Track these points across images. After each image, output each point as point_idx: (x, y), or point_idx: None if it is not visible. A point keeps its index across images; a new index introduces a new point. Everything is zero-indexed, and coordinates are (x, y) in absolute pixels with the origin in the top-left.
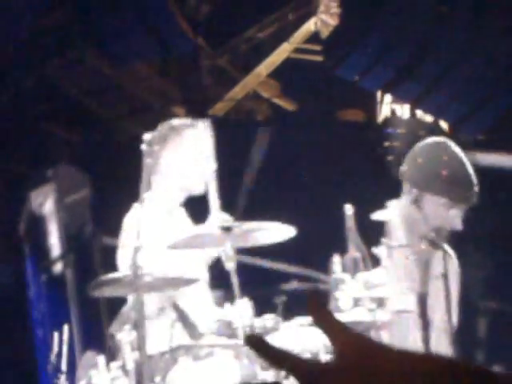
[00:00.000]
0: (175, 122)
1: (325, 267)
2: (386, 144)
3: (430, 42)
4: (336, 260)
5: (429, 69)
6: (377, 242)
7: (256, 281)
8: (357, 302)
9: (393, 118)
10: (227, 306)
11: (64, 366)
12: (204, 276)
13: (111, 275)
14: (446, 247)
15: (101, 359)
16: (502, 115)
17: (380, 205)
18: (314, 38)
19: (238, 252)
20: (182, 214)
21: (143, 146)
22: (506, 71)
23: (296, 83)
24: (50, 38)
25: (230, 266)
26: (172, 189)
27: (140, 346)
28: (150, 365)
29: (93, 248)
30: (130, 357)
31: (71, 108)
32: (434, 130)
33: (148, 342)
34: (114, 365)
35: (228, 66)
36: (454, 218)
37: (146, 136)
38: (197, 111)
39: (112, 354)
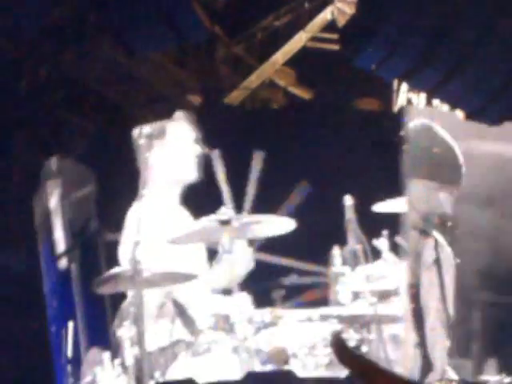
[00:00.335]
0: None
1: (324, 260)
2: (402, 133)
3: (447, 30)
4: (335, 252)
5: (446, 58)
6: (378, 234)
7: (254, 274)
8: (357, 296)
9: (409, 107)
10: (226, 299)
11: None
12: (204, 271)
13: (112, 271)
14: (438, 235)
15: (106, 356)
16: None
17: (388, 196)
18: (330, 26)
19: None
20: (182, 209)
21: (141, 141)
22: None
23: (312, 72)
24: (66, 26)
25: (228, 259)
26: (166, 183)
27: (139, 341)
28: (150, 361)
29: (97, 244)
30: (129, 353)
31: (87, 97)
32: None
33: (148, 338)
34: (118, 361)
35: (244, 54)
36: (443, 201)
37: (146, 130)
38: (212, 100)
39: (115, 350)
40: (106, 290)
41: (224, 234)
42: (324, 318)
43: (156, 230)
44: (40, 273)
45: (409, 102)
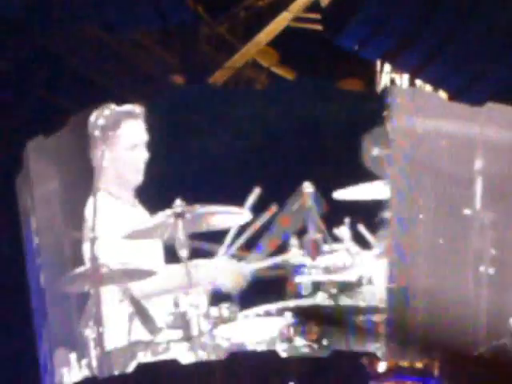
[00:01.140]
0: (116, 109)
1: (283, 251)
2: (385, 113)
3: (430, 11)
4: (294, 242)
5: (429, 38)
6: (339, 222)
7: None
8: (318, 287)
9: (392, 87)
10: (182, 296)
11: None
12: (162, 267)
13: (76, 270)
14: None
15: (73, 357)
16: (503, 85)
17: (350, 182)
18: (313, 6)
19: (192, 238)
20: (136, 204)
21: (96, 132)
22: (507, 41)
23: (295, 52)
24: (50, 6)
25: (183, 253)
26: (118, 182)
27: (99, 342)
28: (109, 361)
29: (63, 242)
30: (94, 354)
31: (71, 77)
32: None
33: (107, 338)
34: (84, 362)
35: (227, 34)
36: None
37: (98, 121)
38: (196, 79)
39: (81, 351)
40: (71, 289)
41: (179, 227)
42: (282, 311)
43: (112, 226)
44: (23, 259)
45: (392, 82)
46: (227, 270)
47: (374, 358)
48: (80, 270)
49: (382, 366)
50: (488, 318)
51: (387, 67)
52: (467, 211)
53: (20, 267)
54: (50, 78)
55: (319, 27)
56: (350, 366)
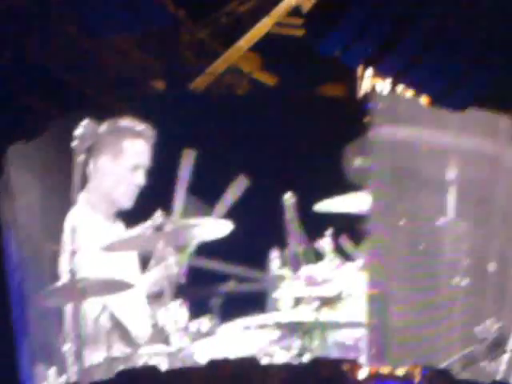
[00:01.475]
0: (122, 123)
1: (264, 264)
2: (366, 119)
3: (411, 16)
4: (274, 255)
5: (410, 43)
6: (320, 234)
7: (190, 282)
8: (299, 301)
9: (373, 93)
10: (160, 310)
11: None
12: (140, 281)
13: (55, 284)
14: None
15: (51, 372)
16: (484, 91)
17: (332, 193)
18: (295, 12)
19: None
20: (116, 218)
21: (75, 142)
22: (487, 46)
23: (277, 58)
24: (27, 11)
25: (163, 267)
26: (102, 198)
27: (77, 357)
28: (88, 376)
29: (42, 255)
30: (72, 369)
31: (49, 82)
32: (415, 105)
33: (86, 353)
34: (63, 378)
35: (208, 39)
36: None
37: (79, 131)
38: (177, 85)
39: (61, 366)
40: (49, 303)
41: (158, 241)
42: (263, 326)
43: (90, 239)
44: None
45: (373, 87)
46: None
47: (354, 364)
48: (58, 284)
49: (362, 373)
50: (462, 329)
51: (369, 72)
52: (441, 221)
53: (0, 281)
54: (29, 83)
55: (301, 33)
56: (331, 373)
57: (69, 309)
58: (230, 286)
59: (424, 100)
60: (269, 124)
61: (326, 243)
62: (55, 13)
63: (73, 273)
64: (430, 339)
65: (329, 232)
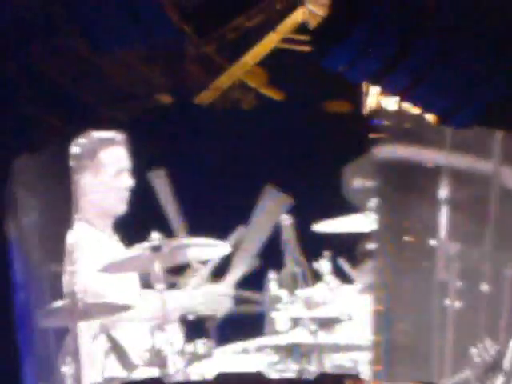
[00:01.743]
0: (94, 136)
1: (260, 286)
2: (372, 136)
3: (417, 33)
4: (272, 277)
5: (415, 61)
6: (318, 255)
7: None
8: (296, 323)
9: (379, 110)
10: (157, 332)
11: None
12: (137, 302)
13: (54, 304)
14: None
15: None
16: (489, 109)
17: (330, 214)
18: (301, 27)
19: (167, 272)
20: (113, 237)
21: (71, 162)
22: (493, 64)
23: (283, 73)
24: (33, 23)
25: (159, 287)
26: (97, 212)
27: (76, 378)
28: None
29: (42, 275)
30: None
31: (54, 94)
32: (421, 122)
33: (84, 374)
34: None
35: (214, 54)
36: None
37: (74, 149)
38: (183, 99)
39: None
40: (50, 323)
41: (155, 262)
42: (260, 348)
43: (90, 259)
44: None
45: (379, 104)
46: (208, 293)
47: (357, 379)
48: (57, 304)
49: None
50: (454, 350)
51: (374, 89)
52: (433, 242)
53: (7, 302)
54: (34, 95)
55: (307, 48)
56: None
57: (68, 329)
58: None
59: (429, 117)
60: (274, 139)
61: (324, 264)
62: (61, 26)
63: (73, 294)
64: (425, 359)
65: (327, 253)
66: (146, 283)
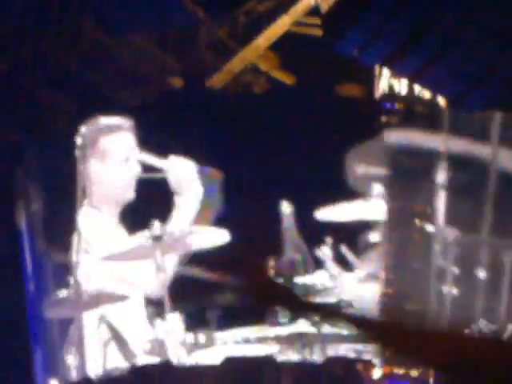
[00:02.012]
0: (100, 123)
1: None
2: (384, 119)
3: (429, 16)
4: (271, 264)
5: (428, 44)
6: (320, 243)
7: (187, 293)
8: None
9: (391, 93)
10: (158, 322)
11: None
12: (138, 291)
13: (57, 295)
14: None
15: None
16: (502, 93)
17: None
18: (314, 11)
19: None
20: (119, 226)
21: (76, 151)
22: (506, 48)
23: (295, 57)
24: (47, 7)
25: (162, 278)
26: (103, 200)
27: (81, 369)
28: None
29: (46, 266)
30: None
31: (67, 78)
32: (432, 105)
33: (88, 365)
34: None
35: (227, 38)
36: None
37: (78, 140)
38: (194, 83)
39: (65, 379)
40: (54, 314)
41: (156, 251)
42: (261, 338)
43: (94, 249)
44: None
45: (391, 88)
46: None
47: (368, 364)
48: (62, 294)
49: (376, 373)
50: None
51: (386, 73)
52: (430, 227)
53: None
54: (47, 79)
55: (319, 32)
56: (345, 372)
57: (72, 320)
58: (228, 298)
59: (441, 101)
60: (285, 124)
61: (325, 251)
62: (75, 10)
63: (77, 284)
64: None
65: (329, 240)
66: None
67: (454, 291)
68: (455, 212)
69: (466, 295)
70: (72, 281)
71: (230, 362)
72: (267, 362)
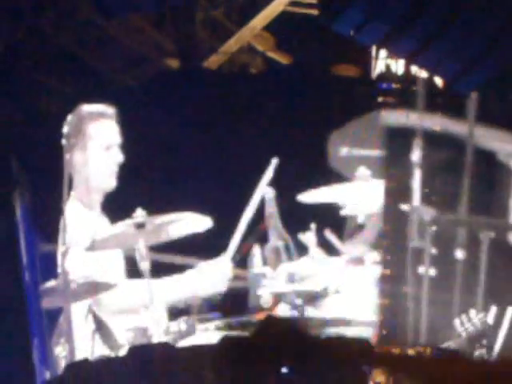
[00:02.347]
0: (83, 110)
1: (243, 261)
2: (380, 99)
3: None
4: (255, 252)
5: (425, 24)
6: (304, 228)
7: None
8: (280, 299)
9: (387, 74)
10: (142, 311)
11: None
12: (122, 280)
13: (46, 284)
14: None
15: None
16: (497, 73)
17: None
18: None
19: (151, 249)
20: (102, 216)
21: (63, 140)
22: (501, 29)
23: (291, 37)
24: None
25: (145, 266)
26: (87, 189)
27: (70, 360)
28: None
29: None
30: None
31: (64, 59)
32: (429, 85)
33: (77, 355)
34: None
35: (223, 18)
36: None
37: (64, 128)
38: (191, 64)
39: (54, 370)
40: (43, 304)
41: (139, 239)
42: (244, 324)
43: (78, 239)
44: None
45: (387, 68)
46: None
47: (365, 343)
48: (50, 284)
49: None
50: (428, 320)
51: (383, 53)
52: (405, 206)
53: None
54: (43, 60)
55: (315, 12)
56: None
57: (61, 310)
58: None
59: (438, 81)
60: (280, 103)
61: (309, 237)
62: None
63: (65, 273)
64: (404, 327)
65: (313, 225)
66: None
67: (432, 272)
68: (432, 191)
69: (444, 277)
70: (60, 271)
71: (228, 341)
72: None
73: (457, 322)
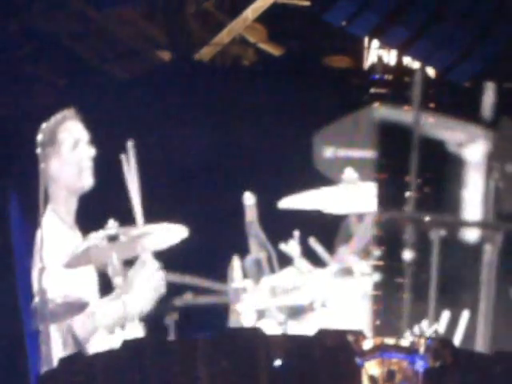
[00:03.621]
0: (50, 120)
1: (223, 274)
2: (372, 90)
3: None
4: (235, 264)
5: (417, 14)
6: (287, 236)
7: None
8: (262, 314)
9: (379, 65)
10: (118, 331)
11: None
12: (96, 297)
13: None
14: None
15: None
16: (489, 63)
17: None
18: None
19: (126, 263)
20: (75, 229)
21: (38, 150)
22: (494, 19)
23: (283, 28)
24: None
25: (118, 281)
26: (63, 196)
27: (47, 361)
28: None
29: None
30: None
31: (56, 51)
32: (421, 76)
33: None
34: None
35: (214, 10)
36: None
37: (38, 137)
38: (182, 56)
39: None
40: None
41: (112, 253)
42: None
43: (54, 255)
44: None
45: (379, 59)
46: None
47: (359, 335)
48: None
49: (367, 344)
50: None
51: (375, 44)
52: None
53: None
54: (35, 52)
55: (307, 3)
56: (336, 343)
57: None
58: (187, 299)
59: (430, 71)
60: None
61: (293, 246)
62: None
63: (43, 292)
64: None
65: (296, 233)
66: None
67: (375, 277)
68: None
69: (390, 279)
70: (36, 289)
71: (222, 335)
72: (257, 334)
73: (408, 334)
